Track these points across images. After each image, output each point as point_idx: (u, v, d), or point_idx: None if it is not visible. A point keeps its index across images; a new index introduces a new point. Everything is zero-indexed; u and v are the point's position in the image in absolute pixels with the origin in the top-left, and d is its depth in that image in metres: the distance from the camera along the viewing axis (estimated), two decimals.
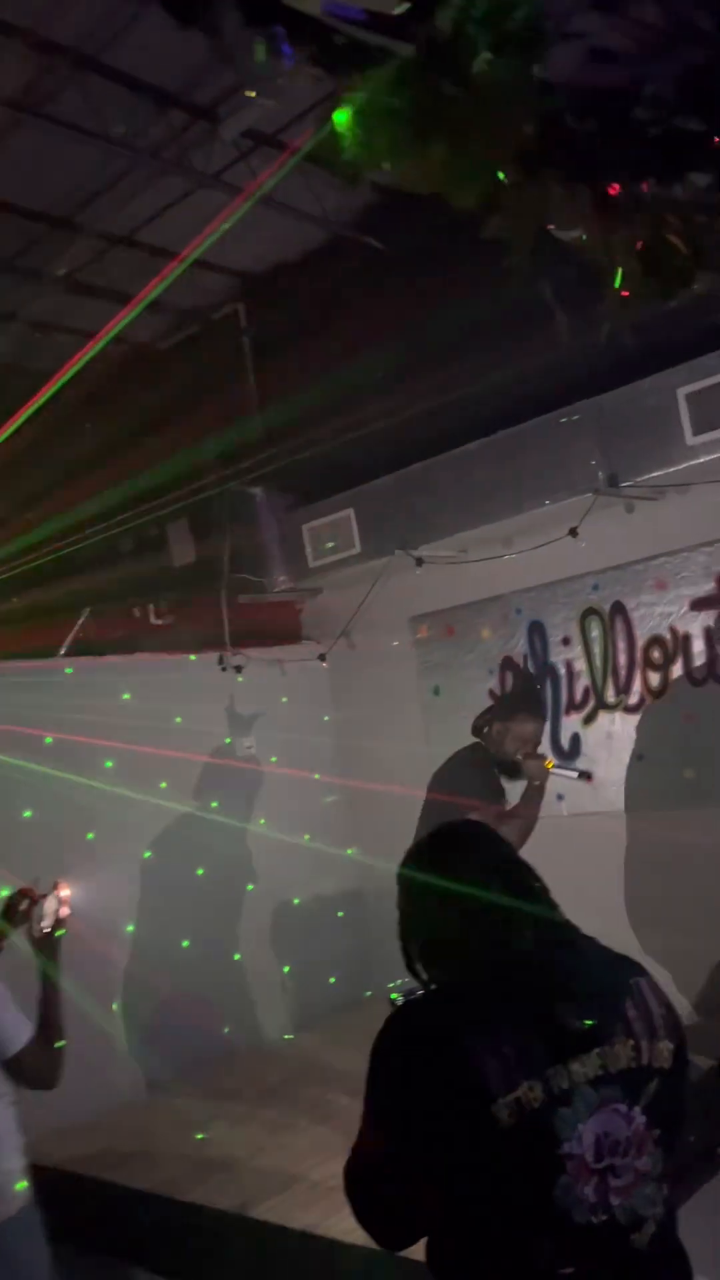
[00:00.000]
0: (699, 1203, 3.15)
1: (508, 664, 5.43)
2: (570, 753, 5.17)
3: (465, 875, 1.67)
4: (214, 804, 5.32)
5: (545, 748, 5.26)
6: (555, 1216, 1.48)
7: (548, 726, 5.24)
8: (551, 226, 1.32)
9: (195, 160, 4.59)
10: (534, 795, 3.90)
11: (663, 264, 1.28)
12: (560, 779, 4.09)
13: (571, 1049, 1.54)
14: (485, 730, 4.03)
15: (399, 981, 1.80)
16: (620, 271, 1.34)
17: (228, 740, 5.51)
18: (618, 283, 1.37)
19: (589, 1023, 1.55)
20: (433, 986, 1.67)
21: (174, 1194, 3.60)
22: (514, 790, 4.07)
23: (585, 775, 4.16)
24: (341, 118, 1.14)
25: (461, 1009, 1.57)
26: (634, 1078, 1.56)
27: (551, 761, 3.98)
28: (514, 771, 3.98)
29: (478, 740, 4.06)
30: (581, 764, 5.14)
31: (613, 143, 1.20)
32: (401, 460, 5.13)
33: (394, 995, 1.78)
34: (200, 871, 5.20)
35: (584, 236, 1.33)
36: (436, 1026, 1.56)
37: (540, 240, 1.34)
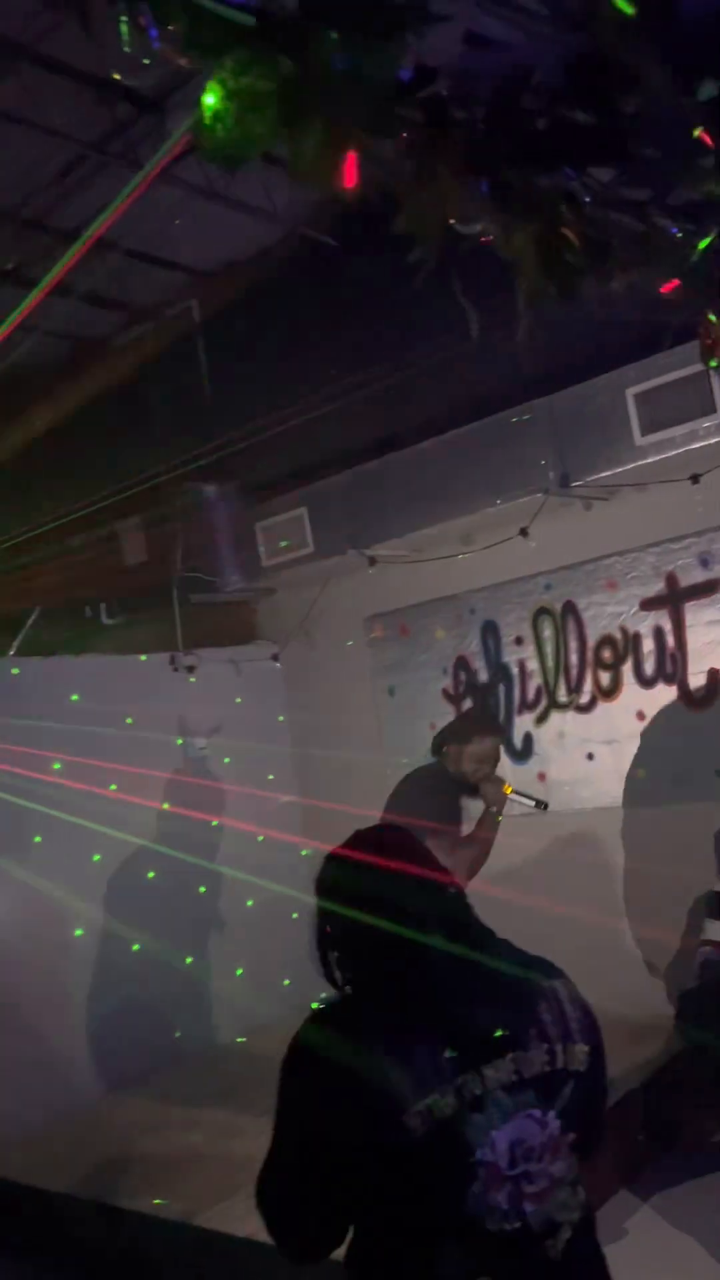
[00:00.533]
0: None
1: (461, 664, 5.42)
2: (523, 752, 5.18)
3: (378, 881, 1.64)
4: (165, 805, 5.27)
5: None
6: (467, 1225, 1.46)
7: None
8: (453, 221, 1.30)
9: (143, 154, 4.53)
10: (490, 821, 3.80)
11: (557, 261, 1.26)
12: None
13: (484, 1054, 1.52)
14: (443, 749, 3.94)
15: (325, 995, 1.77)
16: (526, 268, 1.32)
17: (179, 741, 5.45)
18: (525, 280, 1.36)
19: (500, 1032, 1.54)
20: (346, 991, 1.65)
21: (119, 1202, 3.55)
22: (475, 808, 4.00)
23: (543, 805, 4.01)
24: (210, 100, 1.11)
25: (371, 1017, 1.55)
26: (548, 1082, 1.55)
27: (510, 787, 3.87)
28: (473, 792, 3.89)
29: (436, 759, 3.97)
30: (534, 764, 5.18)
31: (502, 133, 1.17)
32: (355, 458, 5.11)
33: (315, 1006, 1.75)
34: (151, 875, 5.15)
35: (487, 232, 1.31)
36: (345, 1035, 1.54)
37: (451, 236, 1.32)
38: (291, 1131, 1.55)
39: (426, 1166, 1.46)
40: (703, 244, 1.30)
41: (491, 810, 3.75)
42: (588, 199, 1.28)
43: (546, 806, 4.00)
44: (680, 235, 1.32)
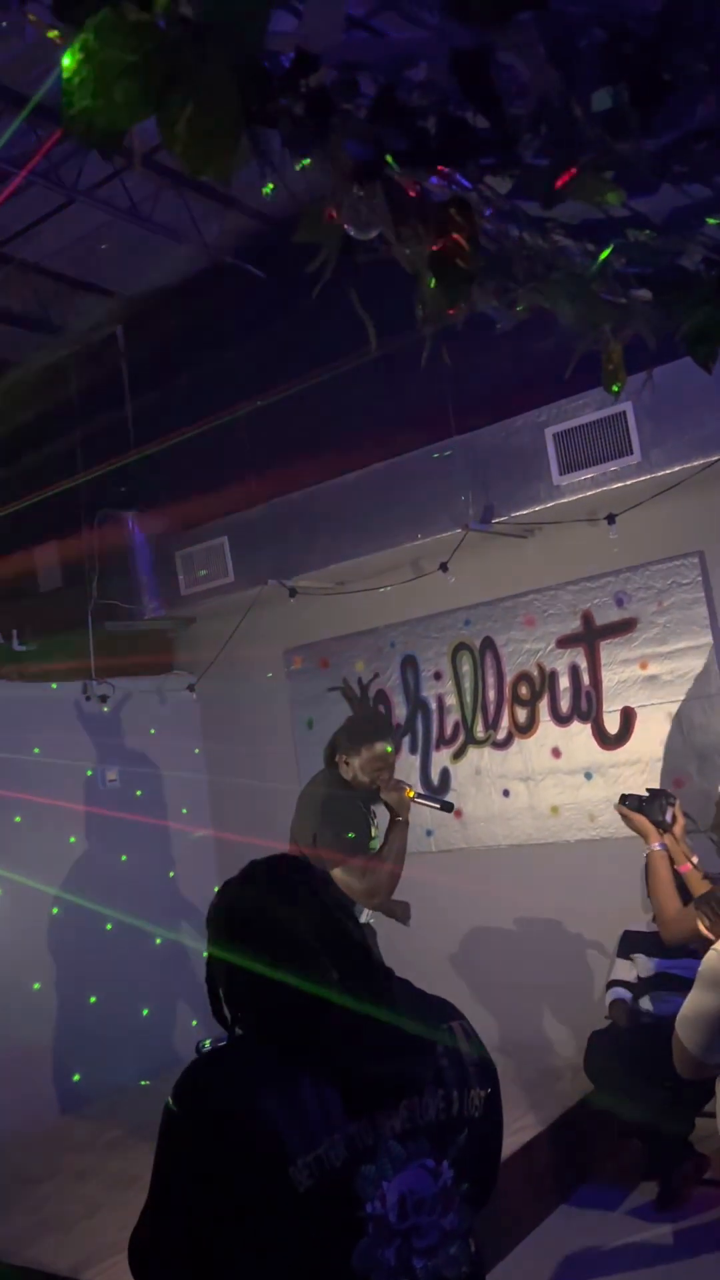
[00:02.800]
0: None
1: (381, 697, 5.39)
2: (440, 788, 5.15)
3: (270, 915, 1.56)
4: (71, 839, 5.11)
5: (415, 781, 5.26)
6: None
7: (418, 761, 5.25)
8: (347, 227, 1.27)
9: (65, 176, 4.48)
10: (399, 831, 3.64)
11: (449, 270, 1.23)
12: (424, 810, 3.82)
13: (377, 1101, 1.45)
14: (335, 759, 3.75)
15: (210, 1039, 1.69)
16: (424, 278, 1.30)
17: (89, 772, 5.30)
18: (424, 290, 1.33)
19: (394, 1077, 1.47)
20: (237, 1032, 1.56)
21: (5, 1256, 3.37)
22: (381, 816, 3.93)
23: (448, 806, 3.87)
24: (66, 62, 1.06)
25: (257, 1062, 1.45)
26: (443, 1129, 1.49)
27: (413, 790, 3.68)
28: (374, 799, 3.74)
29: (331, 771, 3.79)
30: (450, 800, 5.14)
31: (388, 130, 1.15)
32: (276, 489, 5.08)
33: (205, 1044, 1.67)
34: (55, 910, 4.97)
35: (383, 239, 1.28)
36: (228, 1082, 1.44)
37: (349, 244, 1.29)
38: (171, 1184, 1.44)
39: (313, 1221, 1.38)
40: (601, 257, 1.28)
41: (399, 819, 3.58)
42: (486, 212, 1.26)
43: (452, 807, 3.88)
44: (579, 254, 1.31)
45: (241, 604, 5.39)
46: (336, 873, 3.39)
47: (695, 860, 3.27)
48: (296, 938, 1.54)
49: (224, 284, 5.53)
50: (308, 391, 4.73)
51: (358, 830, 3.63)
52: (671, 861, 3.12)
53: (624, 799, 3.31)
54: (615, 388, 1.48)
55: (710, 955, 2.13)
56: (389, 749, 3.72)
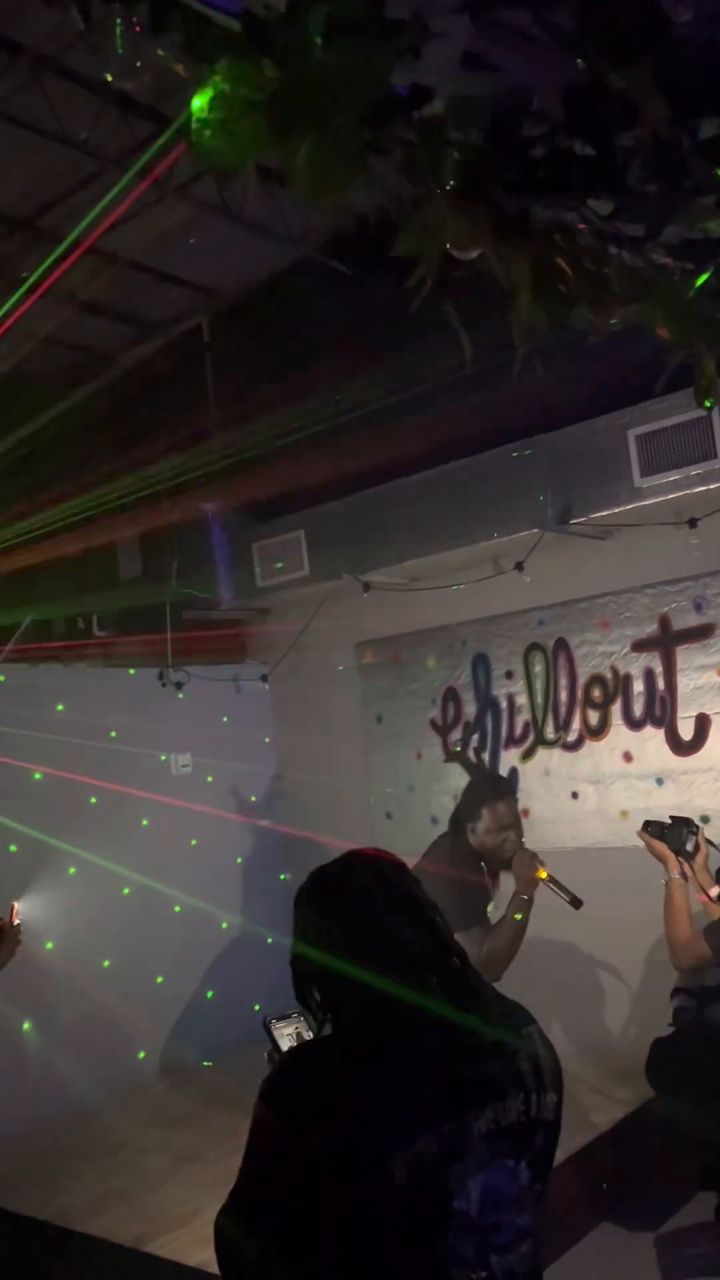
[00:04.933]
0: None
1: (450, 694, 5.40)
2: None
3: (374, 913, 1.58)
4: (144, 822, 5.22)
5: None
6: (434, 1275, 1.42)
7: (487, 760, 5.25)
8: (450, 247, 1.29)
9: (159, 170, 4.56)
10: (519, 905, 3.40)
11: (548, 291, 1.24)
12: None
13: (467, 1102, 1.48)
14: (462, 825, 3.67)
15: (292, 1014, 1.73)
16: (522, 294, 1.31)
17: (163, 758, 5.42)
18: (521, 306, 1.34)
19: (486, 1075, 1.50)
20: (326, 1028, 1.60)
21: (70, 1224, 3.48)
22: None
23: (577, 902, 3.57)
24: (197, 104, 1.10)
25: (359, 1058, 1.48)
26: (523, 1132, 1.52)
27: (545, 871, 3.49)
28: (504, 867, 3.62)
29: (458, 839, 3.67)
30: (519, 800, 5.13)
31: (500, 158, 1.17)
32: (355, 484, 5.12)
33: (274, 1024, 1.71)
34: (126, 891, 5.09)
35: (484, 259, 1.29)
36: (333, 1076, 1.47)
37: (449, 261, 1.31)
38: (265, 1171, 1.47)
39: (404, 1216, 1.41)
40: (700, 280, 1.28)
41: (522, 897, 3.40)
42: (584, 229, 1.27)
43: (581, 905, 3.56)
44: (678, 274, 1.31)
45: (316, 597, 5.45)
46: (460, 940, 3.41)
47: (715, 893, 3.23)
48: (395, 938, 1.56)
49: (310, 280, 5.57)
50: (391, 387, 4.75)
51: (474, 902, 3.55)
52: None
53: (646, 825, 3.33)
54: (709, 403, 1.47)
55: None
56: (515, 807, 3.67)
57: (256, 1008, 5.44)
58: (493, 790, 3.81)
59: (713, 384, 1.46)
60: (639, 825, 4.73)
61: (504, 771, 5.17)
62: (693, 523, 4.16)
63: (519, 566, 4.63)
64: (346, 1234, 1.41)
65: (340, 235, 5.46)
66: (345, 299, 5.34)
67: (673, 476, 4.07)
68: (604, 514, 4.34)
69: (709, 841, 3.25)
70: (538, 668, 5.05)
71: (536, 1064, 1.57)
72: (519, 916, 3.44)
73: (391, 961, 1.53)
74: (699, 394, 1.44)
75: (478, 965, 3.36)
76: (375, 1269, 1.41)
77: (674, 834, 3.17)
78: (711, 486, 4.03)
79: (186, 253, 5.59)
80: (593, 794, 4.85)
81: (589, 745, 4.86)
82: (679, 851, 3.14)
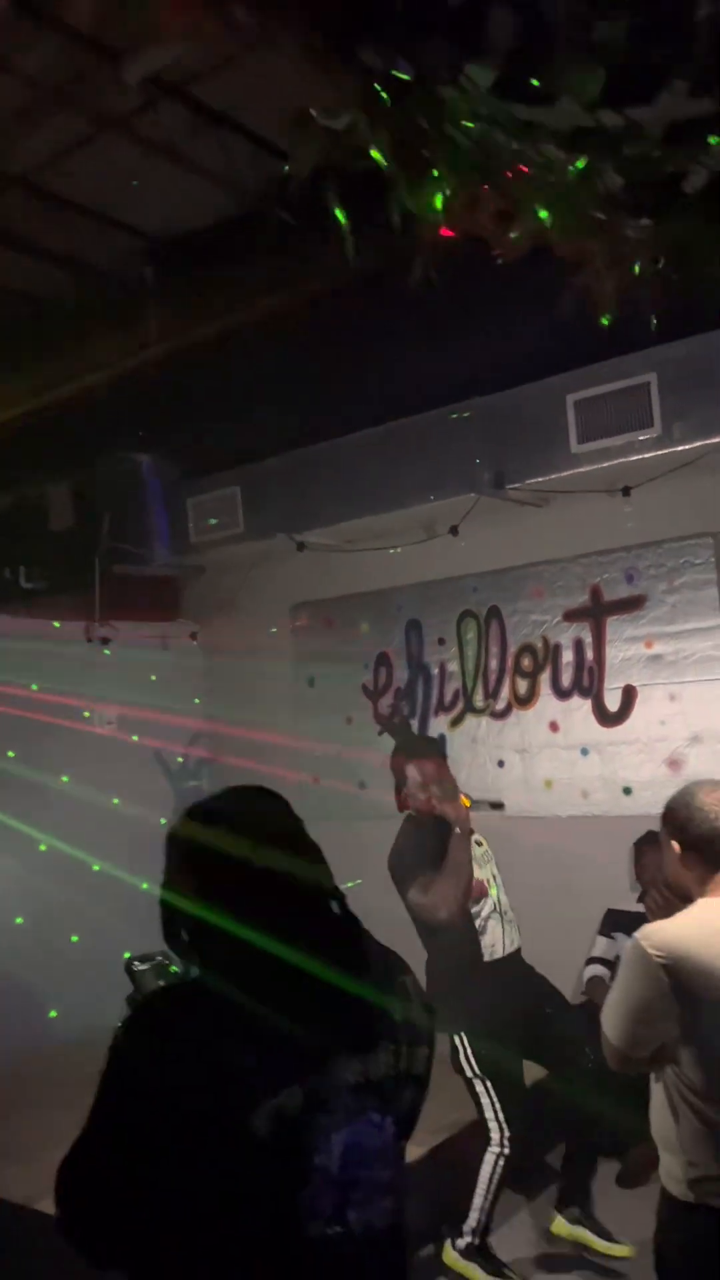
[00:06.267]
0: None
1: (383, 660, 5.35)
2: None
3: (249, 852, 1.50)
4: (64, 779, 5.11)
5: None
6: (289, 1229, 1.36)
7: (415, 725, 5.21)
8: (315, 113, 1.20)
9: (100, 104, 4.38)
10: (457, 843, 3.45)
11: (411, 157, 1.15)
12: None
13: (335, 1054, 1.42)
14: (405, 802, 3.69)
15: (157, 956, 1.66)
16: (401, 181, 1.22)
17: (87, 714, 5.30)
18: (404, 194, 1.24)
19: (356, 1026, 1.45)
20: (193, 971, 1.52)
21: None
22: None
23: (499, 806, 3.66)
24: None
25: (222, 1004, 1.40)
26: (391, 1085, 1.47)
27: (467, 799, 3.57)
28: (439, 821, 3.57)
29: (406, 816, 3.71)
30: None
31: (360, 9, 1.07)
32: (292, 442, 5.02)
33: (137, 966, 1.64)
34: (43, 847, 4.99)
35: (355, 126, 1.20)
36: (193, 1023, 1.40)
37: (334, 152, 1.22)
38: (115, 1117, 1.40)
39: (262, 1169, 1.36)
40: (578, 164, 1.20)
41: (457, 832, 3.44)
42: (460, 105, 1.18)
43: (503, 806, 3.69)
44: (556, 160, 1.22)
45: (250, 556, 5.36)
46: (410, 894, 3.42)
47: None
48: (268, 877, 1.49)
49: (256, 231, 5.42)
50: (331, 342, 4.65)
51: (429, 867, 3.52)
52: None
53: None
54: (605, 319, 1.41)
55: (630, 944, 2.01)
56: (434, 763, 3.66)
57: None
58: (414, 747, 3.83)
59: (610, 298, 1.40)
60: (562, 795, 4.74)
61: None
62: (626, 491, 4.13)
63: (453, 531, 4.57)
64: (198, 1186, 1.35)
65: (289, 185, 5.34)
66: (290, 250, 5.22)
67: (610, 443, 4.04)
68: (540, 480, 4.29)
69: None
70: (470, 635, 5.02)
71: (409, 1016, 1.52)
72: (464, 842, 3.45)
73: (264, 903, 1.47)
74: (597, 308, 1.37)
75: (428, 909, 3.35)
76: (226, 1222, 1.35)
77: None
78: (646, 456, 4.00)
79: (128, 195, 5.41)
80: (519, 763, 4.84)
81: (517, 714, 4.84)
82: None
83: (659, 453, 3.95)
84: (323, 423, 4.88)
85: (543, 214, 1.24)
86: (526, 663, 4.81)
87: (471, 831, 3.51)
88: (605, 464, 4.09)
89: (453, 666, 5.08)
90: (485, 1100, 3.40)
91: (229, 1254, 1.36)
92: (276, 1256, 1.37)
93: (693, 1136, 1.96)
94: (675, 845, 2.12)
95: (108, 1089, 1.41)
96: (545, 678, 4.73)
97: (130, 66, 3.81)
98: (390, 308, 4.47)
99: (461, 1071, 3.41)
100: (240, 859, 1.50)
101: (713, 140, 1.15)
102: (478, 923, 3.47)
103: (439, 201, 1.23)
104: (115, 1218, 1.38)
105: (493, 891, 3.56)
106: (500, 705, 4.90)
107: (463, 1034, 3.40)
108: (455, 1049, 3.40)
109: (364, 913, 1.75)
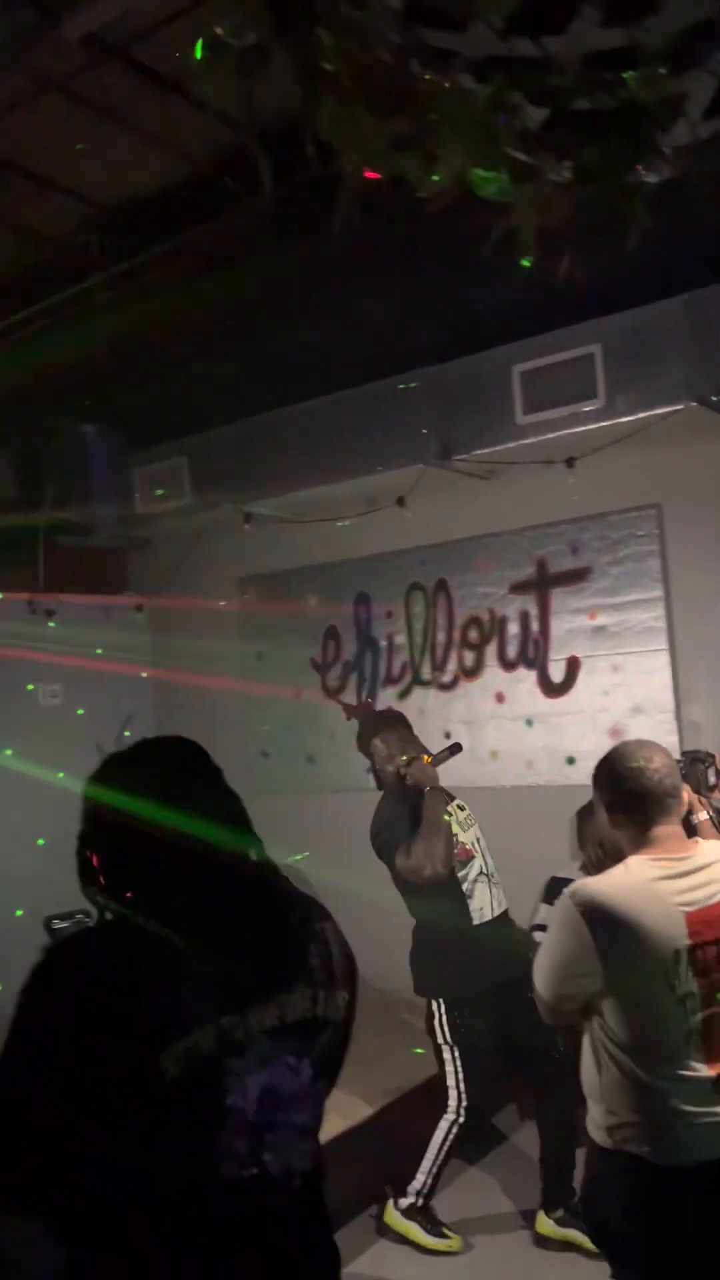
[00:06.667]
0: None
1: (331, 633, 5.35)
2: None
3: (163, 796, 1.50)
4: (7, 752, 5.05)
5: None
6: (204, 1172, 1.36)
7: (364, 697, 5.22)
8: (220, 31, 1.17)
9: (40, 62, 4.28)
10: (428, 801, 3.52)
11: (315, 76, 1.11)
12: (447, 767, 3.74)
13: (250, 996, 1.42)
14: (379, 778, 3.77)
15: (77, 915, 1.65)
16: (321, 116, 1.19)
17: (30, 687, 5.23)
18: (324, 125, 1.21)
19: (269, 972, 1.45)
20: (107, 916, 1.52)
21: None
22: None
23: (457, 748, 3.79)
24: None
25: (134, 947, 1.41)
26: (308, 1029, 1.48)
27: (429, 757, 3.67)
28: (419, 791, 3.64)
29: (384, 790, 3.77)
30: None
31: None
32: (240, 411, 4.97)
33: (56, 924, 1.63)
34: None
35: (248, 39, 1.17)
36: (104, 964, 1.39)
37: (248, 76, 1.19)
38: (25, 1059, 1.37)
39: (174, 1111, 1.35)
40: (491, 86, 1.17)
41: (426, 790, 3.54)
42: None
43: (460, 748, 3.81)
44: (471, 91, 1.20)
45: (198, 528, 5.31)
46: (396, 863, 3.48)
47: None
48: (183, 824, 1.49)
49: (205, 198, 5.35)
50: (280, 312, 4.61)
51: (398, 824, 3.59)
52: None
53: None
54: (526, 261, 1.40)
55: (559, 900, 2.07)
56: (395, 733, 3.73)
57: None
58: (375, 725, 3.87)
59: (529, 239, 1.39)
60: (508, 765, 4.78)
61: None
62: (570, 462, 4.15)
63: (400, 502, 4.57)
64: (110, 1127, 1.34)
65: (237, 152, 5.26)
66: (238, 218, 5.16)
67: (555, 414, 4.05)
68: (486, 451, 4.30)
69: None
70: (417, 608, 5.03)
71: (328, 960, 1.53)
72: (435, 800, 3.53)
73: (178, 848, 1.46)
74: (518, 249, 1.36)
75: (412, 872, 3.36)
76: (141, 1164, 1.35)
77: (693, 771, 2.97)
78: (591, 427, 4.02)
79: (72, 160, 5.31)
80: (465, 734, 4.85)
81: (463, 686, 4.87)
82: (701, 787, 2.93)
83: (603, 424, 3.97)
84: (271, 392, 4.84)
85: (459, 153, 1.22)
86: (473, 635, 4.84)
87: (442, 789, 3.58)
88: (550, 435, 4.11)
89: (400, 639, 5.09)
90: (450, 1068, 3.44)
91: (144, 1195, 1.35)
92: (192, 1197, 1.37)
93: (612, 1086, 2.01)
94: (605, 805, 2.15)
95: (17, 1031, 1.39)
96: (491, 650, 4.76)
97: (71, 23, 3.73)
98: (338, 276, 4.46)
99: (433, 1035, 3.47)
100: (155, 805, 1.50)
101: (627, 75, 1.15)
102: (465, 886, 3.51)
103: (353, 139, 1.20)
104: (28, 1162, 1.37)
105: (478, 855, 3.61)
106: (447, 677, 4.93)
107: (441, 1000, 3.44)
108: (431, 1014, 3.47)
109: (315, 885, 1.76)
